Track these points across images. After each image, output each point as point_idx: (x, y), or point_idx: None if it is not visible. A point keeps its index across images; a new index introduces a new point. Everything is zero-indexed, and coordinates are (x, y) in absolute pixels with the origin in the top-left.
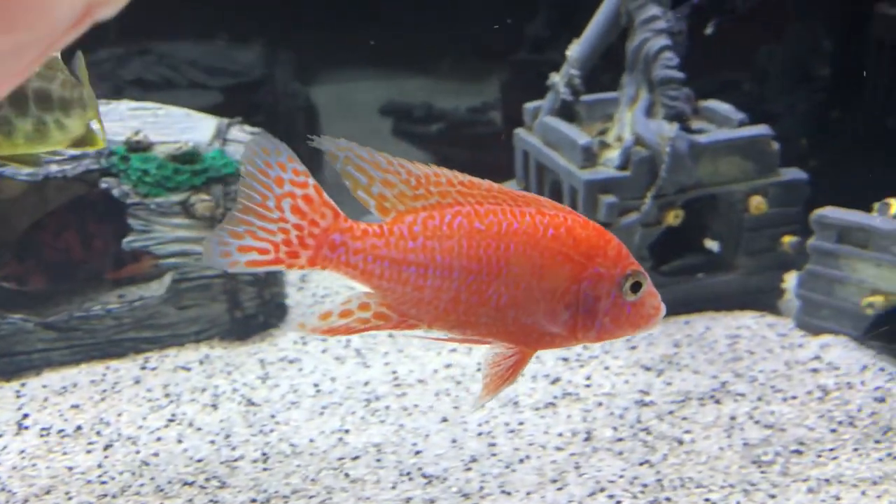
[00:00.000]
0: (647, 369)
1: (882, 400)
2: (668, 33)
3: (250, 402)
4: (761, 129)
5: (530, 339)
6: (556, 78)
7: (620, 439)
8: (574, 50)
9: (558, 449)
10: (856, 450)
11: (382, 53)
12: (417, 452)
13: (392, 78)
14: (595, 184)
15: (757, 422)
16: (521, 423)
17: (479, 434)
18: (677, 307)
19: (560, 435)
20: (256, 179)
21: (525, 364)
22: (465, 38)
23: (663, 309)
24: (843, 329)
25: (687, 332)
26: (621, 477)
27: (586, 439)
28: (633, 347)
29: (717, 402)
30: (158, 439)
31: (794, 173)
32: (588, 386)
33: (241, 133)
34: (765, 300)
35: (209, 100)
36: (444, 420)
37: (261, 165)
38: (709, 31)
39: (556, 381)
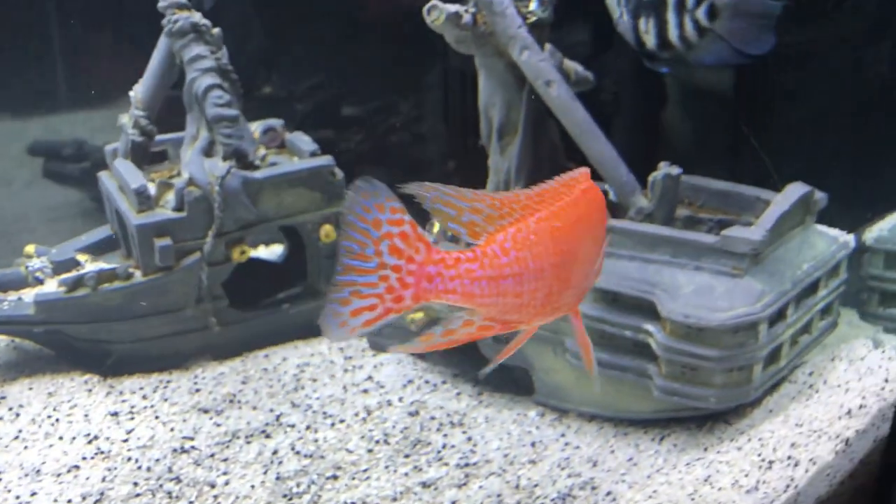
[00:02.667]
0: (205, 412)
1: (415, 413)
2: (217, 71)
3: None
4: (324, 161)
5: (582, 296)
6: (123, 119)
7: (138, 495)
8: (137, 91)
9: None
10: (387, 467)
11: (24, 89)
12: None
13: (37, 116)
14: (148, 227)
15: (297, 452)
16: (33, 494)
17: None
18: (261, 341)
19: (69, 501)
20: (356, 228)
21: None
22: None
23: None
24: None
25: (263, 365)
26: None
27: (97, 501)
28: (198, 390)
29: (268, 436)
30: None
31: None
32: (126, 440)
33: None
34: None
35: None
36: None
37: (360, 212)
38: None
39: (94, 439)
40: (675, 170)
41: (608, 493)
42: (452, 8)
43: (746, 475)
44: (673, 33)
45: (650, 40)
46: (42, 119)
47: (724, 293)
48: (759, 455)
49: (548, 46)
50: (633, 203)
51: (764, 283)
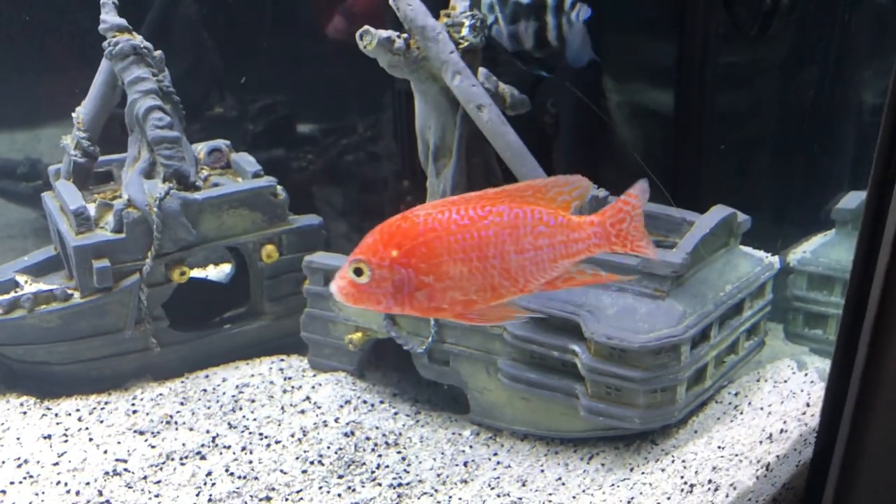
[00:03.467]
0: (140, 433)
1: (351, 434)
2: (158, 93)
3: None
4: (265, 182)
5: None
6: (66, 140)
7: None
8: (80, 112)
9: None
10: (321, 488)
11: None
12: None
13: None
14: (86, 248)
15: (231, 473)
16: None
17: None
18: (203, 362)
19: None
20: None
21: None
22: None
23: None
24: (343, 365)
25: (203, 386)
26: None
27: None
28: (135, 412)
29: (203, 457)
30: None
31: (307, 220)
32: (56, 464)
33: None
34: (295, 343)
35: None
36: None
37: None
38: None
39: (24, 463)
40: (602, 192)
41: None
42: (385, 33)
43: (668, 498)
44: (552, 34)
45: (529, 42)
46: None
47: (645, 315)
48: (682, 478)
49: (481, 71)
50: None
51: (686, 304)
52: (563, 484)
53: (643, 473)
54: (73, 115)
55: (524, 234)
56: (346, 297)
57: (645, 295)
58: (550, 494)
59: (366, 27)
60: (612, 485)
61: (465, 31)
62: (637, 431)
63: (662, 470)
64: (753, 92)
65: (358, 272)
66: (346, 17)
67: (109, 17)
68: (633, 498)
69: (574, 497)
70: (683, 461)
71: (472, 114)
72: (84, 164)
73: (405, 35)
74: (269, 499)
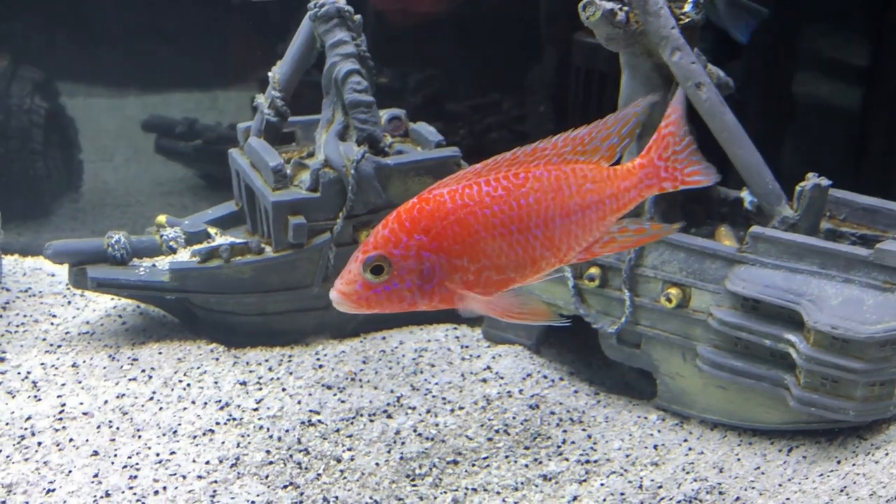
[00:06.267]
0: (328, 388)
1: (536, 407)
2: (357, 57)
3: None
4: (450, 152)
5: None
6: (260, 100)
7: (271, 462)
8: (276, 73)
9: (199, 478)
10: (507, 457)
11: (144, 67)
12: (50, 491)
13: (156, 92)
14: (283, 205)
15: (419, 434)
16: (172, 453)
17: (125, 467)
18: (378, 324)
19: (207, 463)
20: None
21: None
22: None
23: None
24: (520, 339)
25: (381, 347)
26: (253, 503)
27: (233, 465)
28: (321, 367)
29: (389, 416)
30: None
31: None
32: (256, 409)
33: None
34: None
35: None
36: (95, 454)
37: None
38: None
39: (225, 406)
40: (825, 181)
41: (737, 499)
42: (608, 5)
43: (884, 486)
44: None
45: None
46: (138, 96)
47: (873, 306)
48: None
49: (695, 49)
50: (778, 212)
51: None
52: (763, 473)
53: (854, 465)
54: (269, 74)
55: (570, 196)
56: (355, 305)
57: (873, 286)
58: (752, 482)
59: None
60: (820, 475)
61: (687, 7)
62: (846, 425)
63: (876, 462)
64: None
65: (377, 270)
66: None
67: None
68: (845, 486)
69: (779, 485)
70: None
71: (690, 92)
72: (275, 123)
73: (626, 8)
74: (456, 462)
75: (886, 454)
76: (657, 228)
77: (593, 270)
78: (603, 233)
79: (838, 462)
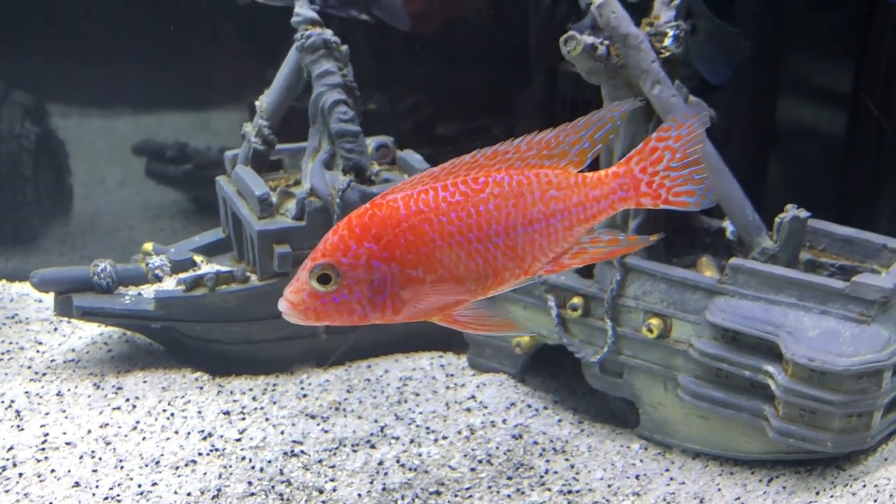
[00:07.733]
0: (311, 417)
1: (519, 437)
2: (343, 87)
3: None
4: None
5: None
6: (247, 128)
7: (252, 494)
8: (263, 101)
9: None
10: (489, 487)
11: (136, 89)
12: None
13: (146, 114)
14: (268, 233)
15: (403, 465)
16: (154, 484)
17: (106, 498)
18: (363, 352)
19: (189, 494)
20: None
21: None
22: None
23: None
24: (504, 368)
25: (366, 375)
26: None
27: (214, 497)
28: (305, 396)
29: (373, 446)
30: None
31: None
32: (238, 440)
33: None
34: (456, 339)
35: None
36: (76, 485)
37: None
38: None
39: (208, 436)
40: (804, 213)
41: None
42: (589, 40)
43: None
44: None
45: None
46: (131, 119)
47: (850, 338)
48: (876, 500)
49: (676, 82)
50: (759, 243)
51: (891, 330)
52: None
53: (832, 497)
54: (257, 103)
55: (532, 203)
56: (303, 315)
57: (849, 319)
58: None
59: (571, 33)
60: None
61: (668, 42)
62: (822, 456)
63: (853, 494)
64: None
65: (324, 279)
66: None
67: (303, 10)
68: None
69: None
70: (876, 486)
71: None
72: (262, 152)
73: (607, 42)
74: (439, 493)
75: (864, 486)
76: (633, 240)
77: (576, 300)
78: (572, 243)
79: (817, 493)
